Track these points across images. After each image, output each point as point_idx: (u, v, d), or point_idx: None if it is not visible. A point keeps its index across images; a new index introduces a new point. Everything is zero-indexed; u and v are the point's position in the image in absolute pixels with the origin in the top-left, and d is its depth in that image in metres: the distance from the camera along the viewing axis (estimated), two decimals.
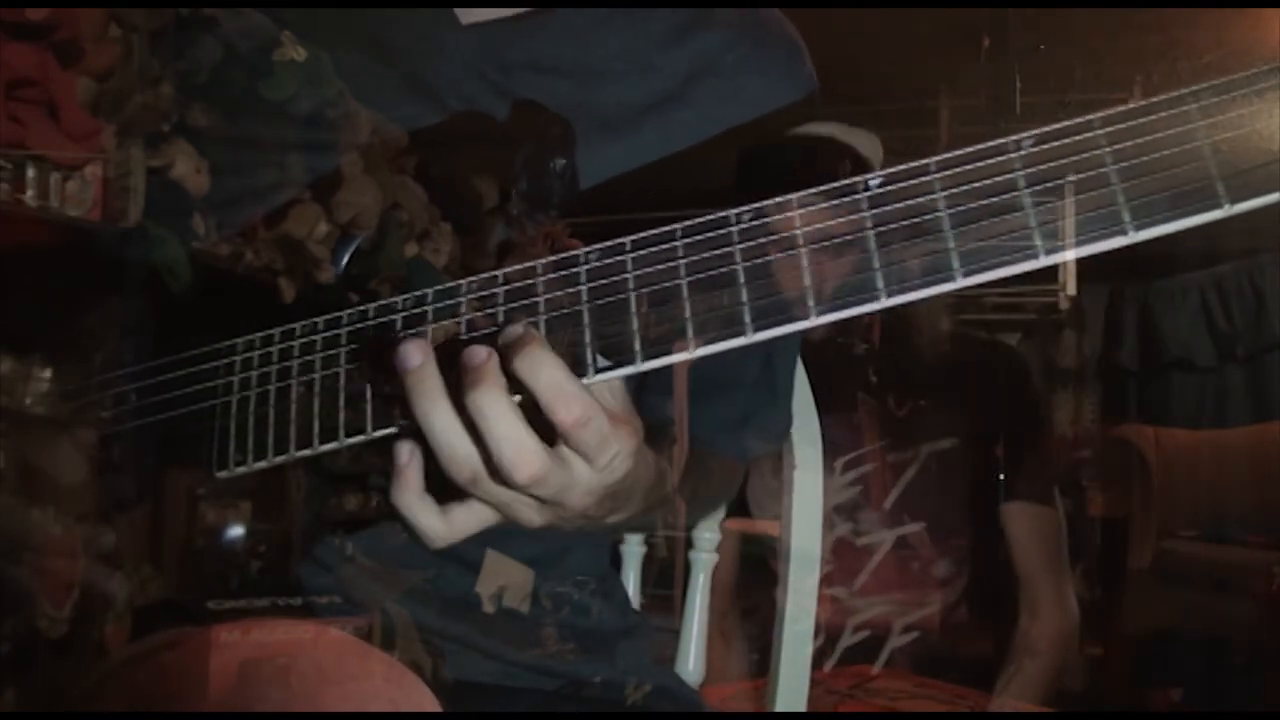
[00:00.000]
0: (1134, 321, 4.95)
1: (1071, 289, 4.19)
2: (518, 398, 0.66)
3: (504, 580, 1.01)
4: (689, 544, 1.31)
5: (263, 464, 0.76)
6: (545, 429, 0.66)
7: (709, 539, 1.32)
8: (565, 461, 0.67)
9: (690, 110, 1.00)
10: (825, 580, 2.24)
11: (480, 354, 0.65)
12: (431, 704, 0.73)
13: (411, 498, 0.69)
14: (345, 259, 0.83)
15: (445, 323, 0.70)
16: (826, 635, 2.24)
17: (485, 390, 0.64)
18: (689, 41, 1.01)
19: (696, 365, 0.67)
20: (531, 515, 0.70)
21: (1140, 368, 4.94)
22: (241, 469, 0.76)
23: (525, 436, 0.64)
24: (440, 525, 0.70)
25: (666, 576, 1.30)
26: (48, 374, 0.74)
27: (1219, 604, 3.03)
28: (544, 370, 0.64)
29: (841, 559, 2.27)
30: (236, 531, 0.79)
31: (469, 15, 0.99)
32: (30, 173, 0.75)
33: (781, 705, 1.25)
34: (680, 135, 1.00)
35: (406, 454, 0.69)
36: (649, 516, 0.92)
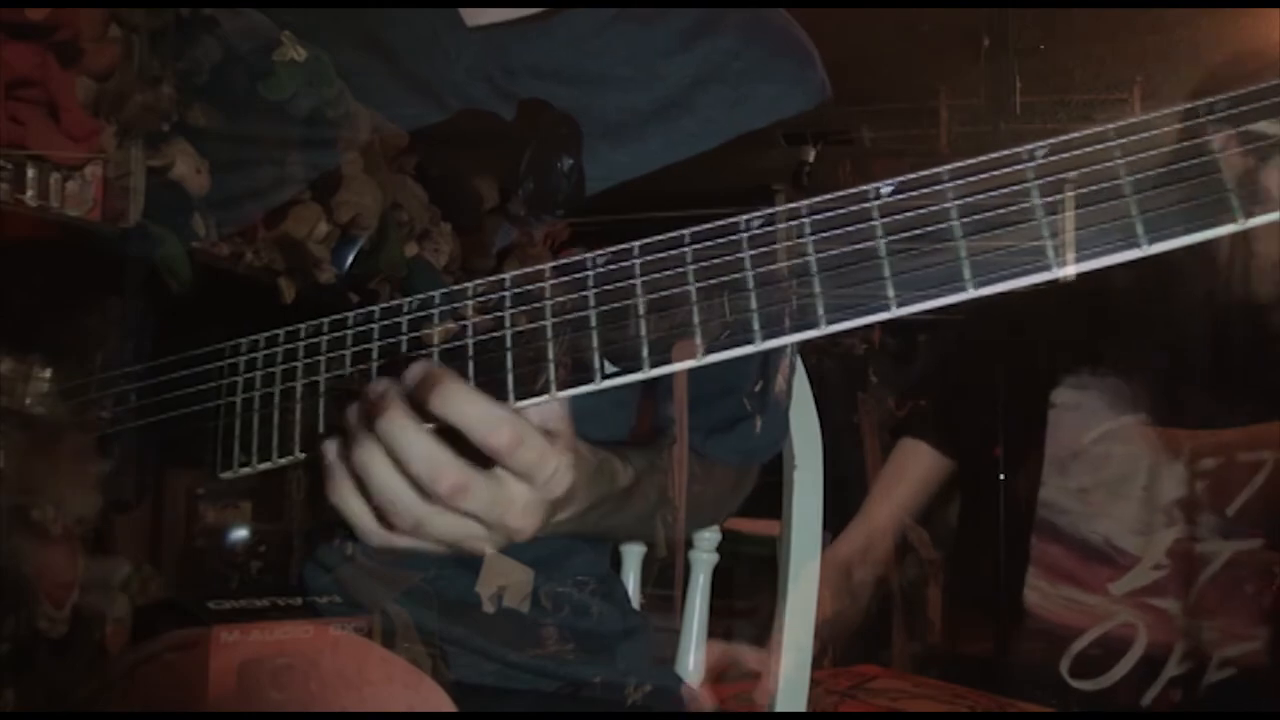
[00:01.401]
0: None
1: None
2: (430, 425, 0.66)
3: (504, 580, 1.00)
4: (689, 544, 1.31)
5: (267, 465, 0.76)
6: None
7: (709, 538, 1.32)
8: (497, 478, 0.67)
9: (696, 118, 1.00)
10: (1156, 588, 1.92)
11: (378, 387, 0.66)
12: (448, 710, 0.74)
13: (347, 493, 0.69)
14: (349, 261, 0.83)
15: (449, 325, 0.70)
16: (1146, 654, 1.89)
17: (389, 417, 0.65)
18: (695, 48, 1.01)
19: (693, 370, 0.67)
20: (482, 545, 0.70)
21: None
22: (246, 470, 0.76)
23: (437, 450, 0.65)
24: (377, 525, 0.70)
25: (666, 576, 1.29)
26: (48, 374, 0.74)
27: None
28: (463, 404, 0.65)
29: (1178, 566, 1.91)
30: (236, 531, 0.79)
31: (474, 18, 0.99)
32: (30, 173, 0.75)
33: (781, 705, 1.25)
34: (686, 143, 0.99)
35: (334, 452, 0.69)
36: (645, 526, 0.92)
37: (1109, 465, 1.96)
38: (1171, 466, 1.92)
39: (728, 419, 1.05)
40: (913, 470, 2.15)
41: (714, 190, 1.01)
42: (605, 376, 0.66)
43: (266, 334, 0.77)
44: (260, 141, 0.86)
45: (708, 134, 1.00)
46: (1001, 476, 2.17)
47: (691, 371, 0.69)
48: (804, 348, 1.20)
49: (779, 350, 1.06)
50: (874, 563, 2.13)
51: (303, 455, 0.74)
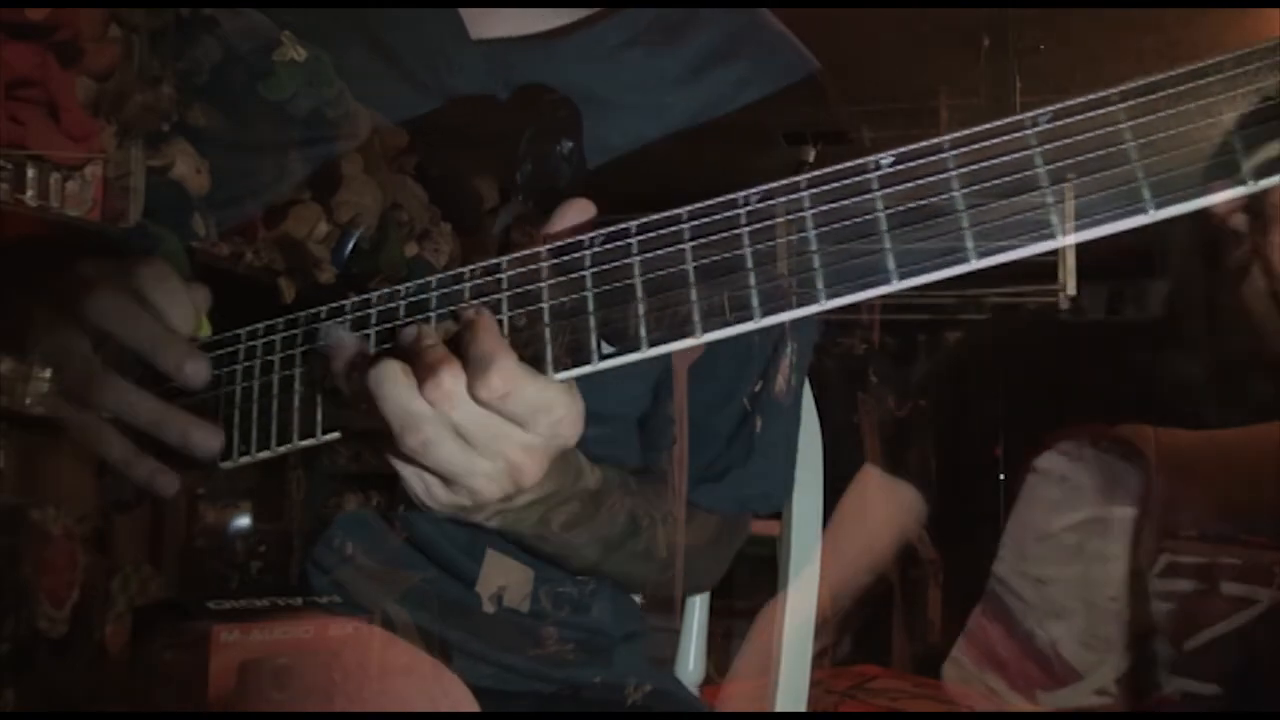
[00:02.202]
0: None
1: (1072, 289, 4.18)
2: None
3: (504, 580, 1.01)
4: None
5: (266, 454, 0.75)
6: None
7: None
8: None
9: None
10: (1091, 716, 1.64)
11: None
12: (470, 702, 0.74)
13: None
14: (347, 251, 0.83)
15: (447, 324, 0.70)
16: None
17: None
18: (704, 78, 1.00)
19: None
20: (487, 488, 0.70)
21: None
22: (245, 459, 0.76)
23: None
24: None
25: None
26: (48, 374, 0.74)
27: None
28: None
29: (1126, 699, 1.65)
30: (236, 532, 0.79)
31: (479, 30, 0.98)
32: (30, 173, 0.75)
33: (781, 705, 1.25)
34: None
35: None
36: (613, 558, 0.91)
37: (1077, 561, 1.68)
38: (1149, 578, 1.62)
39: (717, 466, 1.04)
40: (872, 512, 1.79)
41: (714, 190, 1.01)
42: (602, 357, 0.66)
43: (265, 323, 0.77)
44: (260, 141, 0.86)
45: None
46: (1002, 477, 2.09)
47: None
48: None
49: (776, 357, 1.05)
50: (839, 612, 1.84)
51: (301, 443, 0.74)
